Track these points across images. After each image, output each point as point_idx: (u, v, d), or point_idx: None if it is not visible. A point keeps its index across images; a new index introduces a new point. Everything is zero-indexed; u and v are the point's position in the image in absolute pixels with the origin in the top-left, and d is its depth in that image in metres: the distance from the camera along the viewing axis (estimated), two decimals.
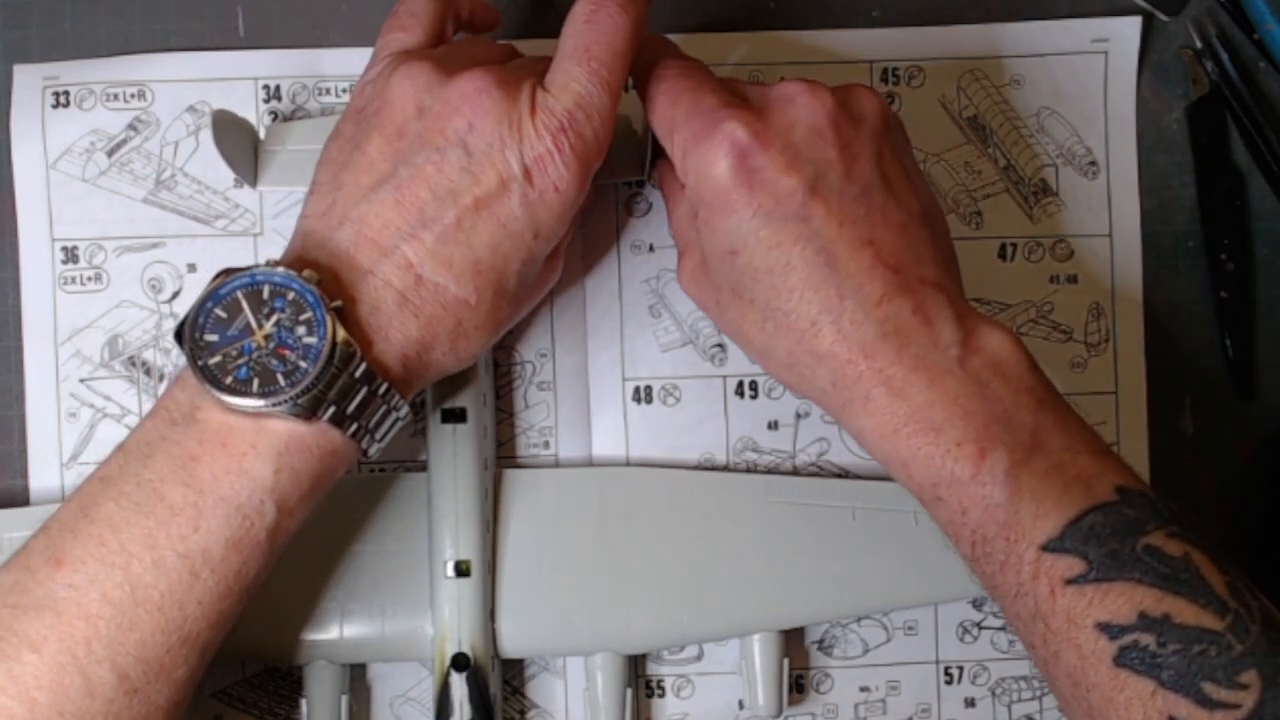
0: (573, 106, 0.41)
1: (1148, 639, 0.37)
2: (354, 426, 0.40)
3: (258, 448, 0.39)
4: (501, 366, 0.51)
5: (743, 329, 0.44)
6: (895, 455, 0.41)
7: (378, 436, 0.41)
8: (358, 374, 0.39)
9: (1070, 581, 0.38)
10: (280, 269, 0.39)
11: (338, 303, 0.39)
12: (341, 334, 0.39)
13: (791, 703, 0.51)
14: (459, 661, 0.46)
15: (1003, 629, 0.52)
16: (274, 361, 0.39)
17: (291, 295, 0.39)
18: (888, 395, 0.41)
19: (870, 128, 0.43)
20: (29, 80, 0.51)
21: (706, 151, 0.41)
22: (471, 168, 0.41)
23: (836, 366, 0.41)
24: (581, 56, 0.41)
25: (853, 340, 0.41)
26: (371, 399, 0.40)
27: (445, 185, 0.41)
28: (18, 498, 0.50)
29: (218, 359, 0.39)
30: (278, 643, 0.47)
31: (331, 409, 0.39)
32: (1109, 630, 0.38)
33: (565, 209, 0.42)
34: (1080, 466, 0.40)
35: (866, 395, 0.41)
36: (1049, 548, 0.39)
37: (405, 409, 0.41)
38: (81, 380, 0.50)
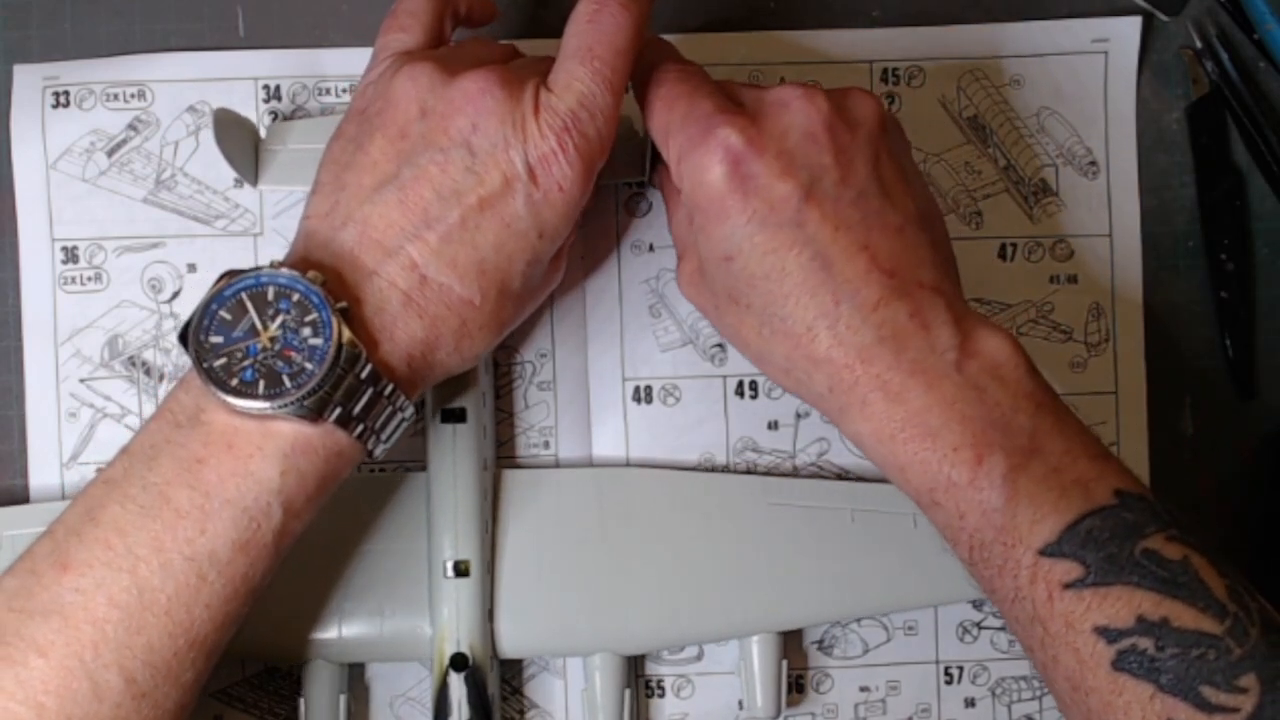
0: (576, 106, 0.41)
1: (1146, 643, 0.37)
2: (360, 428, 0.40)
3: (264, 450, 0.38)
4: (501, 366, 0.51)
5: (740, 333, 0.44)
6: (893, 460, 0.41)
7: (383, 437, 0.41)
8: (363, 375, 0.39)
9: (1068, 586, 0.38)
10: (285, 270, 0.39)
11: (343, 304, 0.39)
12: (347, 335, 0.39)
13: (791, 703, 0.51)
14: (457, 661, 0.46)
15: (1003, 629, 0.51)
16: (279, 363, 0.39)
17: (296, 297, 0.39)
18: (884, 400, 0.41)
19: (866, 131, 0.43)
20: (29, 80, 0.51)
21: (701, 157, 0.41)
22: (475, 167, 0.41)
23: (833, 371, 0.41)
24: (585, 56, 0.41)
25: (849, 345, 0.41)
26: (377, 400, 0.40)
27: (449, 185, 0.41)
28: (17, 498, 0.50)
29: (223, 361, 0.39)
30: (277, 642, 0.47)
31: (337, 410, 0.39)
32: (1107, 634, 0.38)
33: (569, 208, 0.42)
34: (1078, 470, 0.40)
35: (863, 400, 0.41)
36: (1046, 552, 0.39)
37: (410, 409, 0.41)
38: (81, 380, 0.50)
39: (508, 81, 0.41)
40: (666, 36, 0.48)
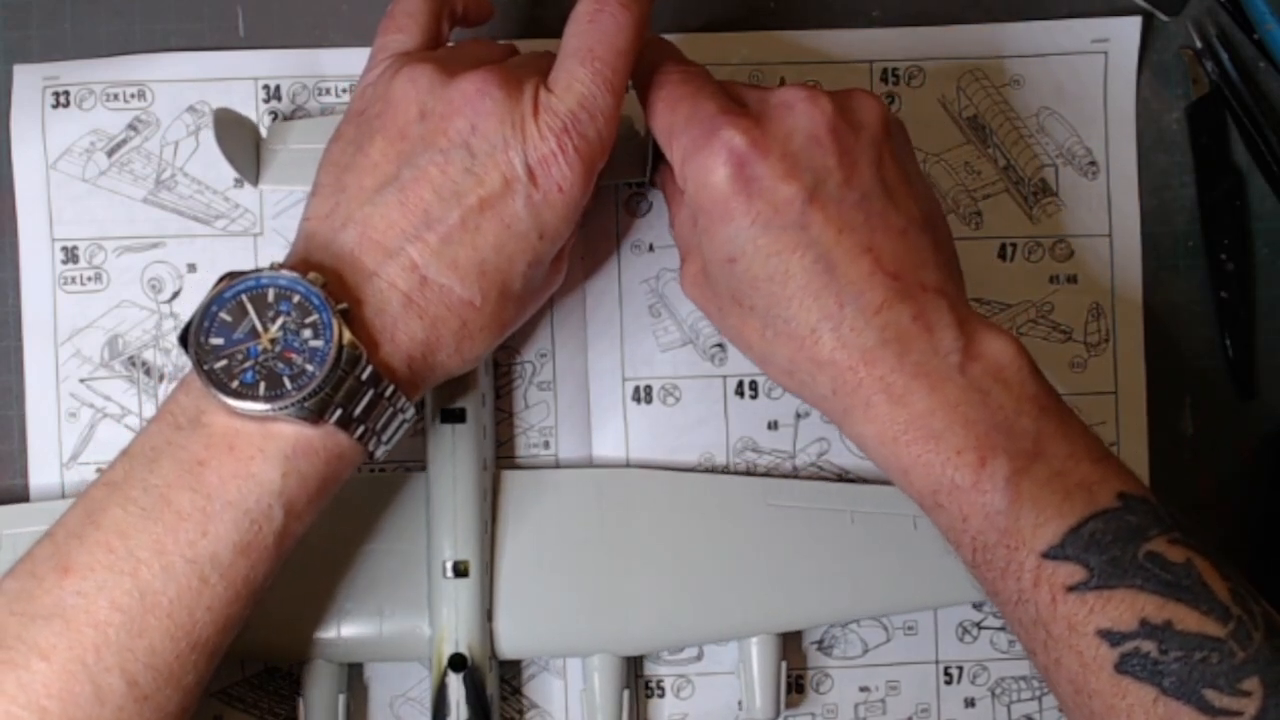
0: (576, 107, 0.41)
1: (1149, 646, 0.37)
2: (361, 429, 0.40)
3: (265, 451, 0.38)
4: (502, 366, 0.51)
5: (744, 335, 0.44)
6: (896, 462, 0.41)
7: (384, 439, 0.41)
8: (364, 376, 0.39)
9: (1071, 589, 0.38)
10: (285, 272, 0.39)
11: (343, 305, 0.39)
12: (348, 336, 0.39)
13: (791, 703, 0.50)
14: (456, 662, 0.46)
15: (1002, 629, 0.51)
16: (280, 365, 0.38)
17: (297, 298, 0.39)
18: (888, 402, 0.40)
19: (870, 134, 0.42)
20: (29, 80, 0.50)
21: (705, 159, 0.41)
22: (475, 169, 0.40)
23: (837, 374, 0.41)
24: (585, 56, 0.41)
25: (852, 347, 0.41)
26: (378, 401, 0.39)
27: (449, 186, 0.40)
28: (17, 498, 0.50)
29: (223, 363, 0.38)
30: (276, 642, 0.47)
31: (338, 412, 0.39)
32: (1110, 637, 0.37)
33: (570, 209, 0.42)
34: (1082, 473, 0.39)
35: (867, 402, 0.41)
36: (1050, 555, 0.39)
37: (411, 411, 0.41)
38: (81, 380, 0.50)
39: (507, 82, 0.41)
40: (667, 36, 0.47)
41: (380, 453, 0.41)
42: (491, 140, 0.40)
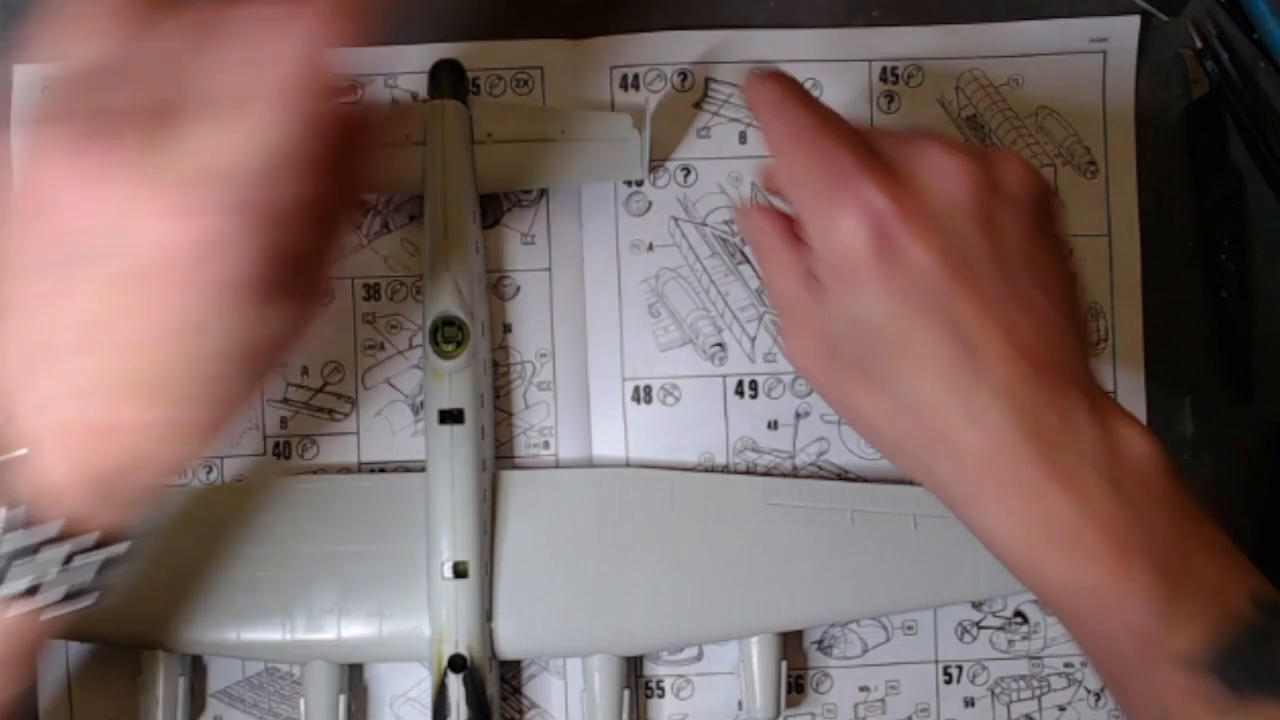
0: (205, 168, 0.31)
1: None
2: (24, 597, 0.33)
3: None
4: (501, 366, 0.50)
5: (861, 408, 0.39)
6: (1026, 559, 0.37)
7: (71, 591, 0.34)
8: (40, 539, 0.33)
9: (1209, 702, 0.35)
10: None
11: None
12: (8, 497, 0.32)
13: (791, 703, 0.49)
14: (456, 662, 0.45)
15: (1002, 629, 0.50)
16: None
17: None
18: (1019, 497, 0.36)
19: (1018, 204, 0.38)
20: (29, 80, 0.49)
21: (840, 216, 0.37)
22: (95, 272, 0.31)
23: (962, 459, 0.37)
24: (235, 102, 0.31)
25: (982, 432, 0.36)
26: (38, 550, 0.33)
27: (76, 305, 0.32)
28: None
29: None
30: (276, 642, 0.46)
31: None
32: None
33: (219, 291, 0.32)
34: (1219, 580, 0.36)
35: (994, 494, 0.37)
36: (1188, 665, 0.36)
37: (119, 546, 0.34)
38: None
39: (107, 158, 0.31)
40: (665, 34, 0.47)
41: (84, 602, 0.34)
42: (105, 234, 0.31)
